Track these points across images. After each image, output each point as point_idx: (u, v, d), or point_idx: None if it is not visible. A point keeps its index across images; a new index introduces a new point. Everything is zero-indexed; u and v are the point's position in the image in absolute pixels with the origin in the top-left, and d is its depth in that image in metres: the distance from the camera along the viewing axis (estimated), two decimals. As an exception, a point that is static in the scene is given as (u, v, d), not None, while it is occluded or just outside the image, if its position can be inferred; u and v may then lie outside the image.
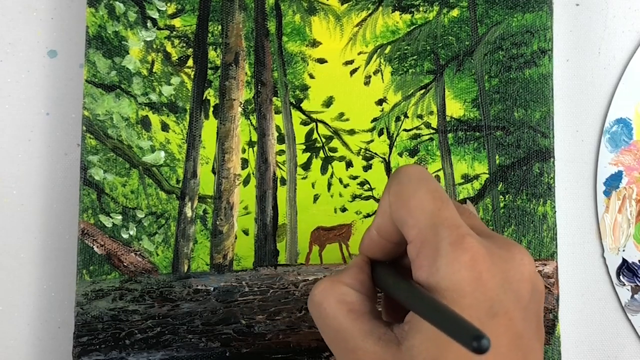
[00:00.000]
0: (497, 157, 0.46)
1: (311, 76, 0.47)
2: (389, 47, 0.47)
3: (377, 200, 0.46)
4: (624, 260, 0.47)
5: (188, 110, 0.46)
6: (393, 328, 0.31)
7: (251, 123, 0.46)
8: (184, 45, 0.47)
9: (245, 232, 0.46)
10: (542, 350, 0.31)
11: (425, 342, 0.29)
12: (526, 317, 0.30)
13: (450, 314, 0.26)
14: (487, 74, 0.47)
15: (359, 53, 0.47)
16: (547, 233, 0.46)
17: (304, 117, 0.47)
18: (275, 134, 0.46)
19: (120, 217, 0.45)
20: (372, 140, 0.47)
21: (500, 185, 0.46)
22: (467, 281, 0.29)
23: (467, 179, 0.46)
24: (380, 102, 0.47)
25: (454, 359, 0.29)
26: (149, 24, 0.46)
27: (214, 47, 0.47)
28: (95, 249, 0.45)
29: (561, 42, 0.49)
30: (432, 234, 0.30)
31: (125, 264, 0.45)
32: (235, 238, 0.46)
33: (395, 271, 0.33)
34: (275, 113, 0.47)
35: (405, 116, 0.47)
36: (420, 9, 0.47)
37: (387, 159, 0.47)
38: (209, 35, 0.47)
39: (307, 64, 0.47)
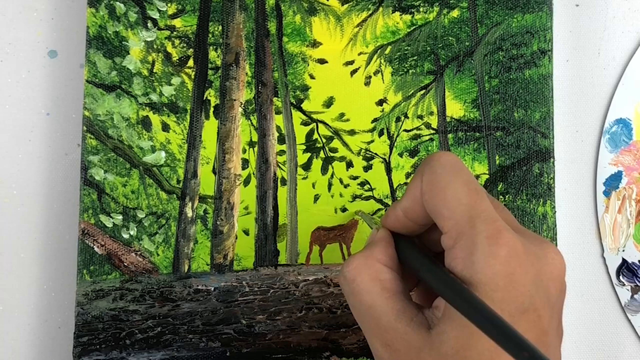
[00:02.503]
0: (497, 157, 0.47)
1: (311, 76, 0.47)
2: (389, 48, 0.47)
3: (377, 201, 0.46)
4: (624, 261, 0.47)
5: (188, 111, 0.46)
6: (424, 311, 0.32)
7: (252, 123, 0.47)
8: (185, 45, 0.47)
9: (246, 232, 0.46)
10: (561, 348, 0.31)
11: (457, 328, 0.29)
12: (552, 315, 0.30)
13: (498, 320, 0.26)
14: (487, 75, 0.47)
15: (360, 53, 0.47)
16: (547, 233, 0.46)
17: (304, 117, 0.47)
18: (276, 134, 0.46)
19: (120, 217, 0.45)
20: (372, 141, 0.47)
21: (500, 185, 0.46)
22: (501, 276, 0.29)
23: (467, 179, 0.46)
24: (380, 102, 0.47)
25: (482, 349, 0.29)
26: (150, 24, 0.46)
27: (215, 47, 0.47)
28: (96, 249, 0.45)
29: (561, 43, 0.49)
30: (469, 227, 0.30)
31: (125, 264, 0.45)
32: (236, 238, 0.46)
33: (419, 249, 0.33)
34: (276, 113, 0.47)
35: (406, 117, 0.47)
36: (421, 9, 0.47)
37: (387, 159, 0.47)
38: (210, 35, 0.47)
39: (308, 65, 0.47)
